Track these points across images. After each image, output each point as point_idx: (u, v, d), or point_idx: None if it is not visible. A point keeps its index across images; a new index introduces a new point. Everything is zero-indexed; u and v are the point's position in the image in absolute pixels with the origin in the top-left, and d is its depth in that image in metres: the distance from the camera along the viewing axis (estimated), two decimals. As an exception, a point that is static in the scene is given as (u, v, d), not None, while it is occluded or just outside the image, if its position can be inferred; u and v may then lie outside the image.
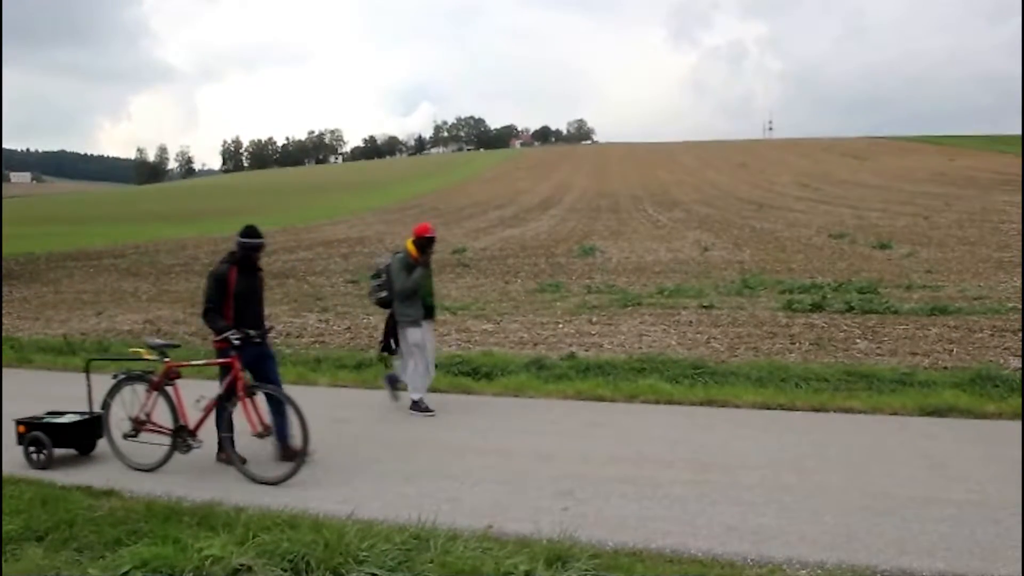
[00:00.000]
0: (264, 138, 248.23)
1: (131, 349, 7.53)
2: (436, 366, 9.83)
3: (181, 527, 4.80)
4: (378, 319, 13.97)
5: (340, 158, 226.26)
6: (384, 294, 8.18)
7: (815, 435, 6.96)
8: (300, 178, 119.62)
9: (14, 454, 6.62)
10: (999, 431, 6.98)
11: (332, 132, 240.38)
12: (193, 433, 6.38)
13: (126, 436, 6.51)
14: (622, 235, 31.32)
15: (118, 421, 6.56)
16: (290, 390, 9.18)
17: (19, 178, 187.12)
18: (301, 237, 35.98)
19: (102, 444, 6.77)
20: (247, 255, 6.55)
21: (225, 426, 6.29)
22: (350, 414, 8.15)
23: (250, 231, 6.61)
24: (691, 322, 12.60)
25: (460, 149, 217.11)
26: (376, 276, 8.34)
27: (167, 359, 6.50)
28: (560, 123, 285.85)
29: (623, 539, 4.79)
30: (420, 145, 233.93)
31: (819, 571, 4.36)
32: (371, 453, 6.78)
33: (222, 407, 6.32)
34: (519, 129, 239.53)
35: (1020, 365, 9.10)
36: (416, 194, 70.23)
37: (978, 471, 5.91)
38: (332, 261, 25.77)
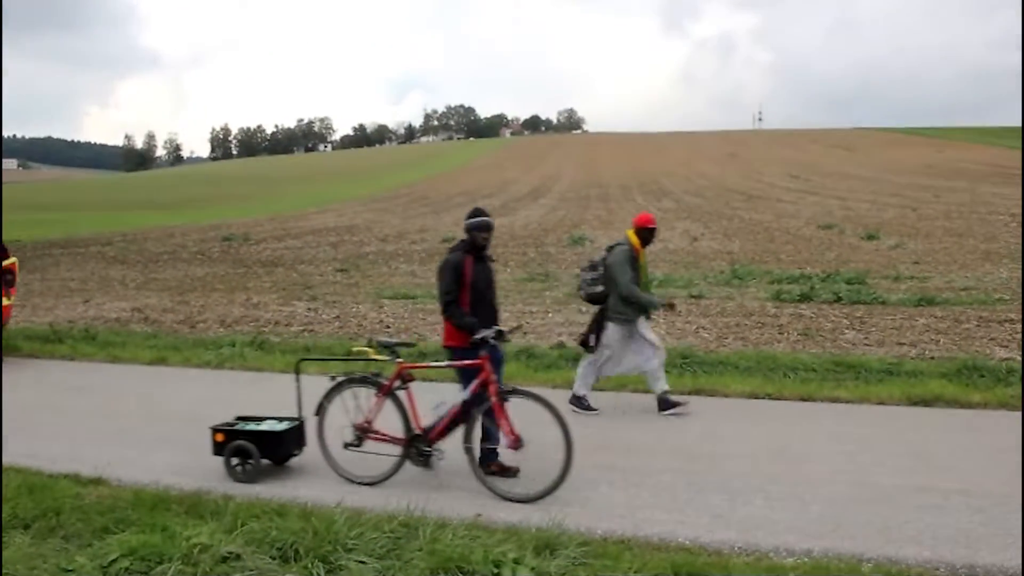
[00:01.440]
0: (253, 126, 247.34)
1: (355, 348, 6.80)
2: (425, 355, 9.81)
3: (169, 515, 4.78)
4: (367, 308, 13.98)
5: (329, 146, 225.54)
6: (600, 288, 7.57)
7: (803, 424, 7.00)
8: (289, 166, 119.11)
9: (210, 465, 5.95)
10: (985, 421, 7.03)
11: (322, 120, 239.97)
12: (431, 442, 5.72)
13: (348, 445, 5.83)
14: (612, 225, 31.32)
15: (333, 428, 5.90)
16: (282, 380, 9.22)
17: (5, 164, 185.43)
18: (290, 225, 35.84)
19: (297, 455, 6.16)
20: (477, 238, 5.95)
21: (471, 436, 5.61)
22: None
23: (475, 211, 6.08)
24: (680, 312, 12.62)
25: (450, 138, 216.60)
26: (592, 268, 7.70)
27: (400, 359, 5.82)
28: (550, 112, 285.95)
29: (611, 527, 4.81)
30: (410, 134, 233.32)
31: (806, 559, 4.38)
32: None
33: (468, 414, 5.64)
34: (509, 118, 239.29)
35: (1006, 356, 9.16)
36: (406, 183, 70.04)
37: (964, 461, 5.95)
38: (321, 250, 25.69)
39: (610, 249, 7.68)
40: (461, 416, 5.65)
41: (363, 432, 5.82)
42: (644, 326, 7.61)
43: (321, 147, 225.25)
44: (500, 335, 5.68)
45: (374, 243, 27.38)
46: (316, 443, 5.91)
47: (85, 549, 4.39)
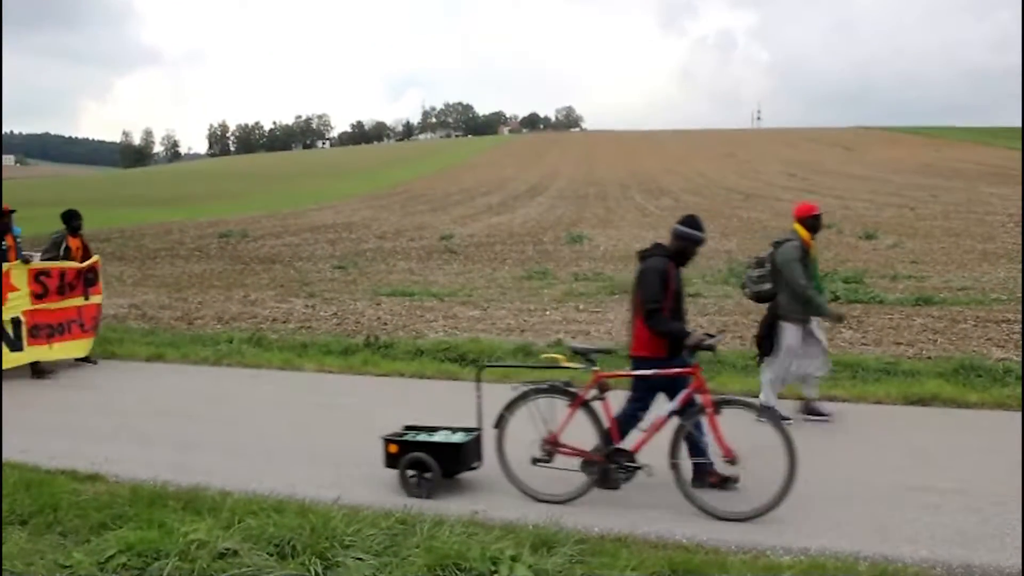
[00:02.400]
0: (251, 122, 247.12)
1: (545, 356, 6.25)
2: (423, 352, 9.82)
3: (166, 511, 4.79)
4: (365, 305, 13.97)
5: (327, 143, 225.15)
6: (767, 286, 7.21)
7: (800, 424, 7.00)
8: (287, 163, 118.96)
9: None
10: (982, 421, 7.05)
11: (319, 117, 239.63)
12: (632, 455, 5.36)
13: (537, 461, 5.46)
14: (610, 223, 31.34)
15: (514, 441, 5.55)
16: (276, 376, 9.23)
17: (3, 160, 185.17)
18: (288, 222, 35.81)
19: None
20: (687, 249, 5.62)
21: (679, 450, 5.23)
22: (332, 400, 8.15)
23: (693, 221, 5.67)
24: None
25: (448, 135, 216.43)
26: (758, 265, 7.33)
27: (596, 368, 5.47)
28: (549, 110, 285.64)
29: (608, 525, 4.82)
30: (408, 131, 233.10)
31: (803, 557, 4.39)
32: (355, 439, 6.76)
33: (678, 426, 5.27)
34: (507, 116, 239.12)
35: (1002, 356, 9.17)
36: (404, 180, 70.00)
37: (960, 460, 5.97)
38: (319, 247, 25.67)
39: (776, 244, 7.27)
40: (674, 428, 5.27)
41: (554, 446, 5.44)
42: (818, 327, 7.26)
43: (319, 144, 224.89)
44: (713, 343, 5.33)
45: (372, 240, 27.36)
46: (495, 456, 5.52)
47: (82, 545, 4.39)
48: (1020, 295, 13.16)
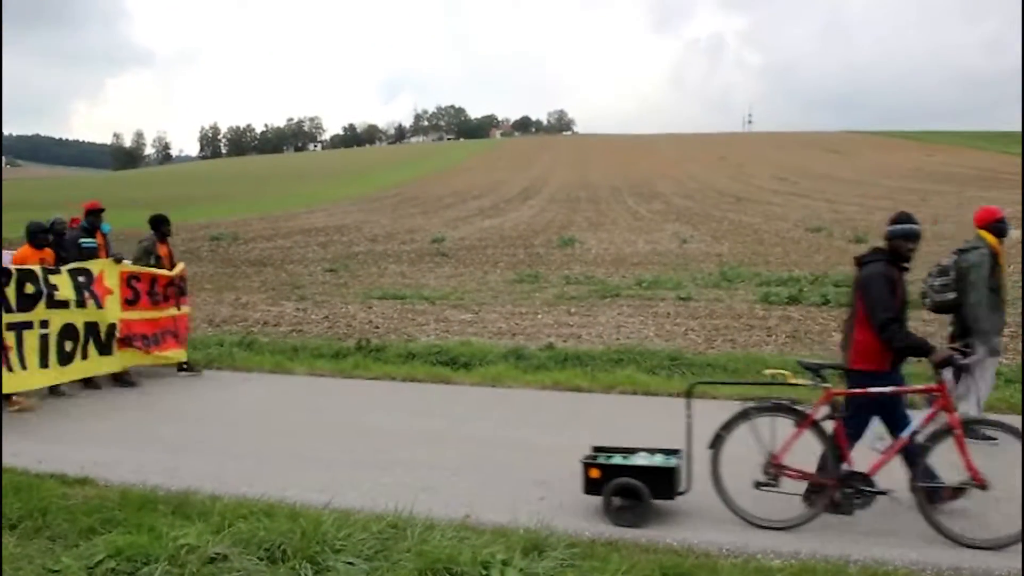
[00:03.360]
0: (242, 124, 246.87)
1: (769, 371, 5.71)
2: (414, 355, 9.79)
3: (156, 515, 4.76)
4: (356, 308, 13.95)
5: (319, 146, 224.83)
6: (951, 296, 6.79)
7: (791, 427, 7.00)
8: (279, 165, 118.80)
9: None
10: (971, 424, 7.05)
11: (311, 119, 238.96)
12: (869, 479, 4.92)
13: (761, 485, 5.07)
14: (601, 226, 31.38)
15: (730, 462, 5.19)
16: (268, 379, 9.21)
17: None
18: (279, 225, 35.73)
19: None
20: (902, 248, 5.21)
21: (923, 473, 4.82)
22: (325, 402, 8.14)
23: (905, 216, 5.31)
24: (669, 313, 12.66)
25: (440, 138, 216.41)
26: (941, 273, 6.88)
27: (827, 384, 5.08)
28: (541, 113, 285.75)
29: (599, 529, 4.82)
30: (400, 134, 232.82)
31: (793, 561, 4.40)
32: (346, 443, 6.76)
33: (918, 448, 4.88)
34: (500, 119, 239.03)
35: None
36: (396, 183, 69.95)
37: (950, 464, 5.98)
38: (310, 249, 25.63)
39: (960, 252, 6.82)
40: (910, 451, 4.88)
41: (778, 469, 5.04)
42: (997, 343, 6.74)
43: (311, 146, 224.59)
44: (963, 354, 4.98)
45: (363, 243, 27.32)
46: (709, 478, 5.13)
47: (71, 549, 4.36)
48: (1009, 299, 13.22)
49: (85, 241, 9.26)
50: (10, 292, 7.55)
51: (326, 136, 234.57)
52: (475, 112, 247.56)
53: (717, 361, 9.13)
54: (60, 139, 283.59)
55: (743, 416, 5.13)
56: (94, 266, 8.55)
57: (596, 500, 5.23)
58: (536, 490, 5.51)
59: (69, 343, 8.11)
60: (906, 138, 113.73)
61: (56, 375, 8.05)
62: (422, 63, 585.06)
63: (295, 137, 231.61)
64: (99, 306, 8.37)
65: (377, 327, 12.16)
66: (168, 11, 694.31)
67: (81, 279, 8.28)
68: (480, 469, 5.94)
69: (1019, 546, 4.46)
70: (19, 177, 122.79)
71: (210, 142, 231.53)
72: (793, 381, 5.22)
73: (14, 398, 7.67)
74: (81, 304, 8.19)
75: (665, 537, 4.72)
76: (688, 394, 5.45)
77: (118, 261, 8.90)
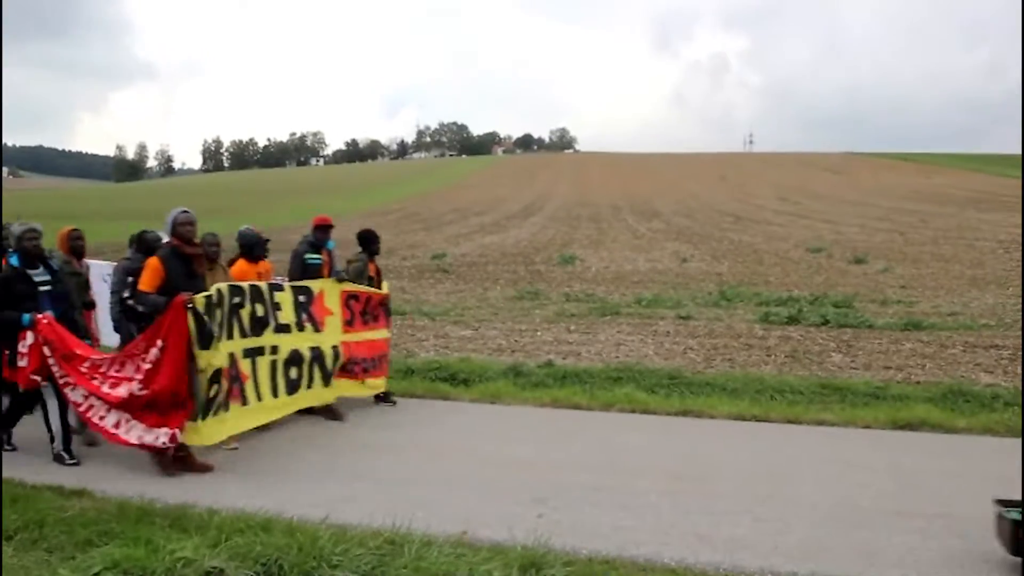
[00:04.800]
0: (245, 138, 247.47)
1: None
2: (413, 371, 9.80)
3: (153, 528, 4.76)
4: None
5: (321, 160, 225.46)
6: None
7: (789, 447, 7.02)
8: (281, 179, 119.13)
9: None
10: (969, 446, 7.08)
11: (314, 134, 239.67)
12: None
13: None
14: (602, 244, 31.42)
15: None
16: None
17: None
18: (280, 239, 35.52)
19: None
20: None
21: None
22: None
23: None
24: (668, 332, 12.67)
25: (442, 154, 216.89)
26: None
27: None
28: (543, 131, 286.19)
29: (597, 547, 4.81)
30: (403, 150, 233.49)
31: (790, 582, 4.40)
32: (350, 456, 6.76)
33: None
34: (502, 136, 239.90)
35: (991, 381, 9.23)
36: (398, 198, 70.10)
37: (948, 485, 5.99)
38: (311, 264, 25.59)
39: None
40: None
41: None
42: None
43: (313, 161, 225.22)
44: None
45: (364, 258, 27.33)
46: None
47: (68, 562, 4.36)
48: (1009, 321, 13.25)
49: (311, 257, 8.42)
50: (245, 313, 6.77)
51: (328, 151, 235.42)
52: (477, 129, 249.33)
53: (716, 380, 9.14)
54: (63, 150, 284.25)
55: None
56: (314, 285, 7.84)
57: (604, 519, 5.23)
58: (534, 507, 5.50)
59: (294, 370, 7.31)
60: (905, 160, 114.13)
61: (285, 406, 7.25)
62: (425, 79, 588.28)
63: (298, 151, 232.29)
64: (317, 328, 7.63)
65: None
66: (172, 25, 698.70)
67: (302, 299, 7.56)
68: (477, 486, 5.94)
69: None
70: (22, 188, 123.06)
71: (213, 155, 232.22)
72: None
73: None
74: (300, 326, 7.45)
75: (662, 556, 4.71)
76: None
77: (340, 280, 8.17)
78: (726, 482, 6.05)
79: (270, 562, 4.28)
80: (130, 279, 7.26)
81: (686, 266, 23.80)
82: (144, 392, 6.10)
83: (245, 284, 7.04)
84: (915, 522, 5.21)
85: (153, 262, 6.42)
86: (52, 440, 6.56)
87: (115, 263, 8.44)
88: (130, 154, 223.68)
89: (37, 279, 6.47)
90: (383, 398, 8.53)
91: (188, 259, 6.53)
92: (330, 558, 4.31)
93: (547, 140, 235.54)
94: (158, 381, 6.07)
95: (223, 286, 6.64)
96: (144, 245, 7.53)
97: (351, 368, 8.01)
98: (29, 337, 6.30)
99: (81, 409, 6.34)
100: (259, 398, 6.89)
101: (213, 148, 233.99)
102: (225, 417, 6.49)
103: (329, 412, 7.91)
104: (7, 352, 6.40)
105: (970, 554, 4.73)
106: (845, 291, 17.34)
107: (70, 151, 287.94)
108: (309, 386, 7.49)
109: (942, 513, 5.37)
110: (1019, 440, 6.72)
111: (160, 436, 6.10)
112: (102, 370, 6.31)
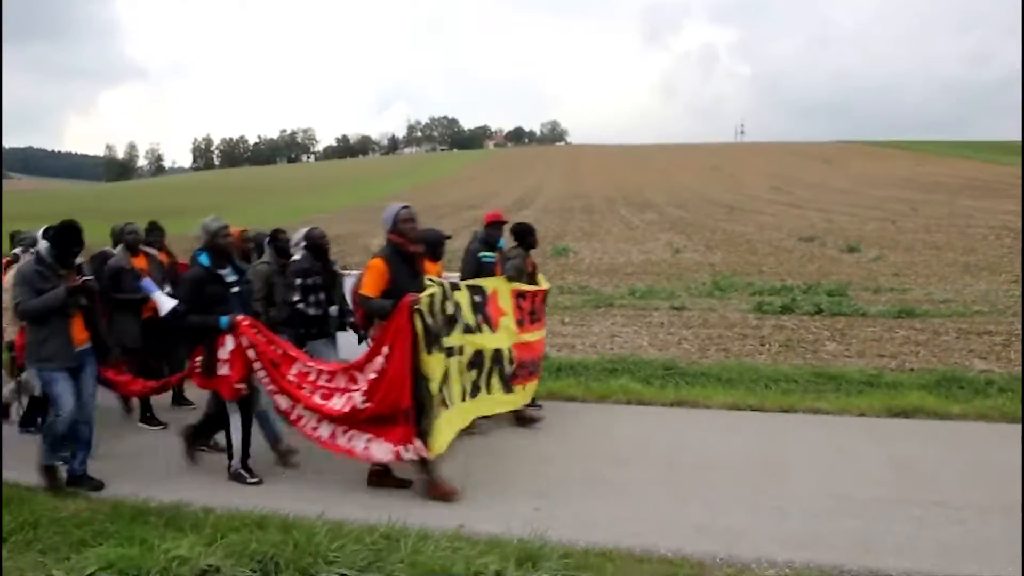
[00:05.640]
0: (235, 136, 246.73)
1: None
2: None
3: (148, 528, 4.75)
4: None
5: (312, 157, 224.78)
6: None
7: (784, 436, 7.02)
8: (272, 177, 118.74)
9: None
10: (964, 432, 7.09)
11: (304, 131, 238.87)
12: None
13: None
14: (595, 236, 31.41)
15: None
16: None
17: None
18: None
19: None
20: None
21: None
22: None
23: None
24: (663, 323, 12.67)
25: (434, 149, 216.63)
26: None
27: None
28: (534, 124, 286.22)
29: (594, 539, 4.81)
30: (393, 145, 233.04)
31: (787, 570, 4.40)
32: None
33: None
34: (493, 130, 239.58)
35: (984, 367, 9.25)
36: (390, 194, 69.87)
37: (943, 472, 6.00)
38: (304, 260, 25.53)
39: None
40: None
41: None
42: None
43: (304, 158, 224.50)
44: None
45: (358, 254, 27.23)
46: None
47: (62, 563, 4.34)
48: (1001, 307, 13.29)
49: (485, 255, 7.93)
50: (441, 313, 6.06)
51: (319, 147, 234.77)
52: (468, 123, 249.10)
53: (711, 371, 9.14)
54: (53, 151, 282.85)
55: None
56: (487, 284, 7.25)
57: (601, 510, 5.22)
58: (530, 501, 5.49)
59: (475, 372, 6.63)
60: (896, 147, 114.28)
61: (468, 411, 6.51)
62: (415, 74, 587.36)
63: (288, 148, 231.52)
64: (492, 330, 7.00)
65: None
66: (161, 24, 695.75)
67: (477, 299, 6.93)
68: (473, 479, 5.93)
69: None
70: (13, 189, 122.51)
71: (203, 154, 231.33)
72: None
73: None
74: (478, 328, 6.78)
75: (659, 547, 4.70)
76: None
77: (511, 279, 7.59)
78: (722, 472, 6.05)
79: (266, 559, 4.27)
80: (299, 281, 6.98)
81: (679, 257, 23.81)
82: (368, 404, 5.57)
83: (445, 281, 6.45)
84: (912, 510, 5.22)
85: (377, 263, 5.72)
86: (230, 457, 6.06)
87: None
88: (120, 154, 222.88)
89: (228, 280, 6.00)
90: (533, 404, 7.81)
91: (411, 258, 5.88)
92: (326, 554, 4.30)
93: (539, 133, 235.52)
94: (383, 391, 5.53)
95: (445, 284, 6.23)
96: (277, 245, 7.43)
97: (519, 373, 7.27)
98: (228, 342, 5.82)
99: (292, 417, 5.86)
100: (455, 402, 6.23)
101: (203, 146, 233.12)
102: (441, 424, 5.81)
103: (522, 419, 7.42)
104: (197, 359, 5.95)
105: (967, 541, 4.73)
106: (838, 280, 17.36)
107: (60, 152, 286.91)
108: (488, 391, 6.79)
109: (938, 500, 5.38)
110: (1014, 426, 6.75)
111: (386, 451, 5.58)
112: (311, 379, 5.84)
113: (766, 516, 5.12)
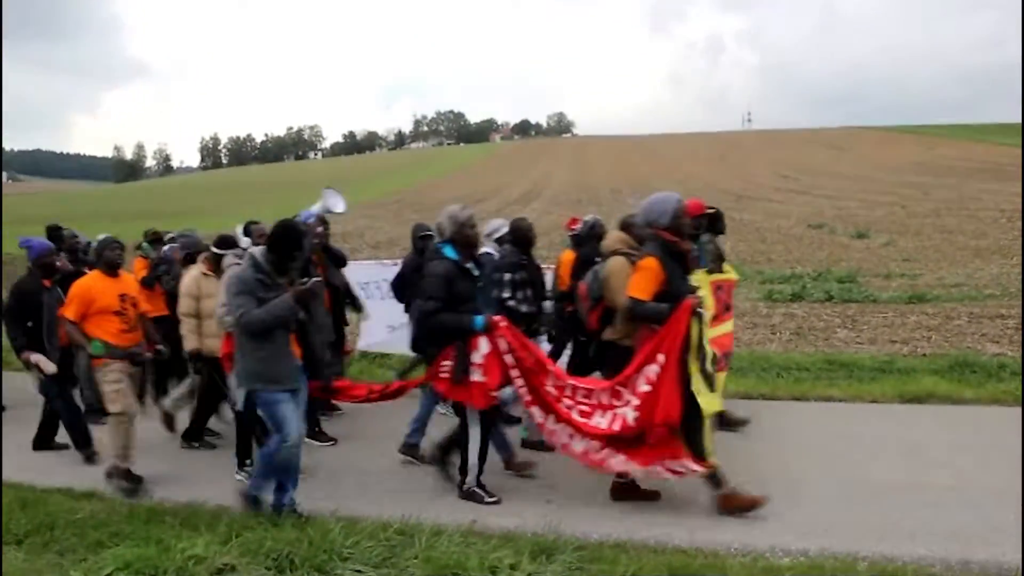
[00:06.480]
0: (243, 135, 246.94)
1: None
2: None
3: (163, 528, 4.77)
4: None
5: (320, 154, 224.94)
6: None
7: (796, 424, 7.01)
8: (280, 174, 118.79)
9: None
10: (977, 417, 7.06)
11: (311, 128, 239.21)
12: None
13: None
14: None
15: None
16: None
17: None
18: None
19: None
20: None
21: None
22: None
23: None
24: None
25: (440, 143, 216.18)
26: None
27: None
28: (540, 117, 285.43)
29: (607, 531, 4.81)
30: (400, 140, 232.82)
31: (801, 558, 4.39)
32: (353, 454, 6.76)
33: None
34: (499, 123, 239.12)
35: (997, 351, 9.21)
36: (398, 188, 69.94)
37: (957, 457, 5.98)
38: (313, 257, 25.55)
39: None
40: None
41: None
42: None
43: (311, 155, 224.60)
44: None
45: (366, 250, 27.31)
46: None
47: (80, 564, 4.37)
48: (1013, 291, 13.21)
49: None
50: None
51: (326, 144, 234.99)
52: (474, 117, 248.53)
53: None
54: (61, 153, 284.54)
55: None
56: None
57: (610, 504, 5.22)
58: (543, 494, 5.50)
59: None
60: (906, 132, 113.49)
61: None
62: (420, 69, 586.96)
63: (295, 146, 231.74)
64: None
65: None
66: (164, 22, 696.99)
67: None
68: (486, 474, 5.93)
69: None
70: (23, 191, 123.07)
71: (211, 153, 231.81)
72: None
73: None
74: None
75: (673, 537, 4.70)
76: None
77: (710, 272, 6.69)
78: (734, 461, 6.03)
79: (281, 557, 4.28)
80: (508, 276, 6.46)
81: (688, 246, 23.72)
82: (640, 420, 5.07)
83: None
84: (926, 495, 5.20)
85: (651, 263, 5.15)
86: (464, 474, 5.54)
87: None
88: (128, 154, 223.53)
89: (475, 275, 5.51)
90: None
91: (683, 256, 5.40)
92: (341, 551, 4.31)
93: (545, 125, 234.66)
94: (660, 404, 5.00)
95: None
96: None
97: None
98: (483, 345, 5.31)
99: (546, 429, 5.45)
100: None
101: (211, 145, 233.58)
102: (706, 431, 5.28)
103: (725, 422, 6.71)
104: (444, 364, 5.40)
105: (982, 526, 4.71)
106: (848, 266, 17.30)
107: (68, 153, 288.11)
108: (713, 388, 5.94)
109: (952, 485, 5.36)
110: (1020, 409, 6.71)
111: (650, 469, 5.16)
112: (567, 393, 5.37)
113: (780, 504, 5.11)
